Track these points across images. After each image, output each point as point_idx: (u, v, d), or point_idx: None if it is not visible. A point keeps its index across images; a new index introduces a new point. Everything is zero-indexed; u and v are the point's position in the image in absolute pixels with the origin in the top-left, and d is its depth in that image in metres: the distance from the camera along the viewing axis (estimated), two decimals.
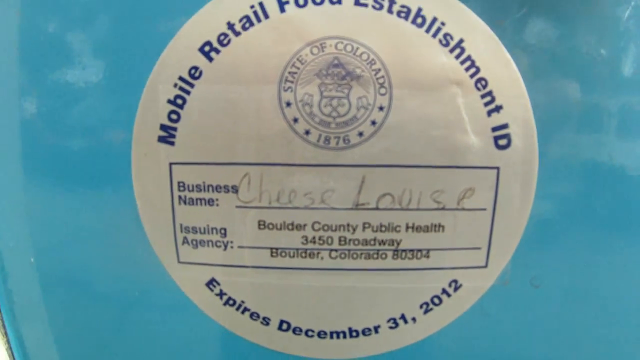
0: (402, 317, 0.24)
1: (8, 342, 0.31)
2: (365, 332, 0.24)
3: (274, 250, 0.23)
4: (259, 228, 0.22)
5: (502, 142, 0.22)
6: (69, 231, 0.26)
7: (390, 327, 0.24)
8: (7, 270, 0.27)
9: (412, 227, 0.22)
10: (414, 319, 0.24)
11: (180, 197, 0.23)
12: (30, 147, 0.24)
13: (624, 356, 0.26)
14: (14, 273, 0.28)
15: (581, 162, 0.23)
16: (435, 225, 0.22)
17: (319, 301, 0.24)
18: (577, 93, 0.22)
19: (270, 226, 0.22)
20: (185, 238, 0.23)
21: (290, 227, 0.22)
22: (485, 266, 0.23)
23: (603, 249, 0.25)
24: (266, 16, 0.21)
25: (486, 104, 0.21)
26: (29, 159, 0.24)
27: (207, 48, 0.21)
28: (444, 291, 0.24)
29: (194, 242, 0.23)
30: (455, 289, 0.24)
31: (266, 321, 0.24)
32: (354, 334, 0.24)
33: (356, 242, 0.23)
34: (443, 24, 0.21)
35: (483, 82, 0.21)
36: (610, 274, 0.25)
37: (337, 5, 0.21)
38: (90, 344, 0.28)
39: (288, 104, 0.21)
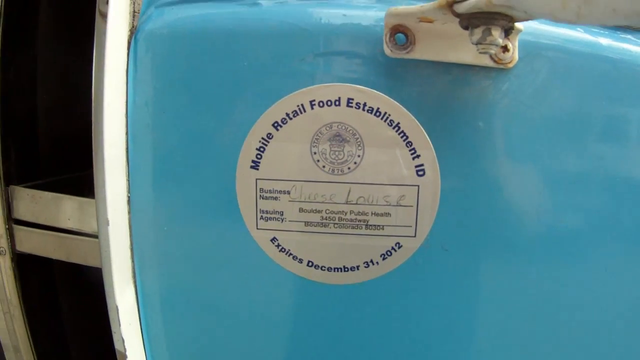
0: (371, 261, 0.49)
1: (135, 286, 0.57)
2: (352, 269, 0.49)
3: (306, 223, 0.48)
4: (299, 212, 0.48)
5: (420, 172, 0.46)
6: (195, 220, 0.52)
7: (365, 267, 0.49)
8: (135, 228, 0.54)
9: (374, 214, 0.47)
10: (377, 263, 0.49)
11: (260, 195, 0.48)
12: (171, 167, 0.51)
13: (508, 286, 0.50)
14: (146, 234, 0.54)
15: (463, 180, 0.47)
16: (386, 213, 0.47)
17: (327, 250, 0.49)
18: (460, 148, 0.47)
19: (305, 211, 0.48)
20: (261, 216, 0.49)
21: (315, 211, 0.48)
22: (414, 236, 0.48)
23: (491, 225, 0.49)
24: (304, 110, 0.46)
25: (412, 154, 0.46)
26: (167, 171, 0.51)
27: (275, 124, 0.47)
28: (392, 248, 0.48)
29: (265, 218, 0.49)
30: (399, 247, 0.48)
31: (300, 261, 0.50)
32: (346, 269, 0.49)
33: (347, 220, 0.48)
34: (389, 114, 0.46)
35: (410, 144, 0.46)
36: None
37: (337, 107, 0.46)
38: (196, 284, 0.55)
39: (315, 153, 0.46)
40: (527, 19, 0.37)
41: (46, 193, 0.72)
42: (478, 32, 0.37)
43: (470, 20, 0.37)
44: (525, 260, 0.50)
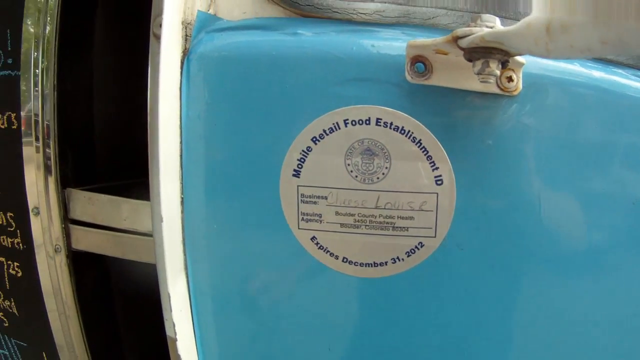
0: (397, 258, 0.57)
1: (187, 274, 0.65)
2: (380, 264, 0.58)
3: (341, 224, 0.57)
4: (335, 215, 0.56)
5: (439, 182, 0.54)
6: (243, 220, 0.61)
7: (392, 263, 0.58)
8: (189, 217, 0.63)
9: (400, 217, 0.56)
10: (402, 259, 0.57)
11: (301, 200, 0.57)
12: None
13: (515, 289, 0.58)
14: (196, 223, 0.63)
15: (476, 189, 0.56)
16: (410, 217, 0.55)
17: (359, 248, 0.57)
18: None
19: (340, 214, 0.56)
20: (302, 217, 0.58)
21: (349, 214, 0.56)
22: (435, 237, 0.56)
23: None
24: (338, 128, 0.55)
25: (432, 167, 0.54)
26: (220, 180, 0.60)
27: (314, 138, 0.55)
28: (416, 247, 0.57)
29: (306, 220, 0.57)
30: (421, 246, 0.57)
31: (336, 257, 0.58)
32: (375, 265, 0.58)
33: (376, 222, 0.56)
34: (412, 132, 0.54)
35: (430, 158, 0.54)
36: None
37: (367, 125, 0.54)
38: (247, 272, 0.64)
39: (348, 165, 0.55)
40: (519, 54, 0.46)
41: (102, 195, 0.82)
42: (478, 64, 0.45)
43: (472, 54, 0.46)
44: (530, 260, 0.58)
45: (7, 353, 1.16)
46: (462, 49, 0.47)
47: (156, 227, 0.61)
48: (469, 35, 0.45)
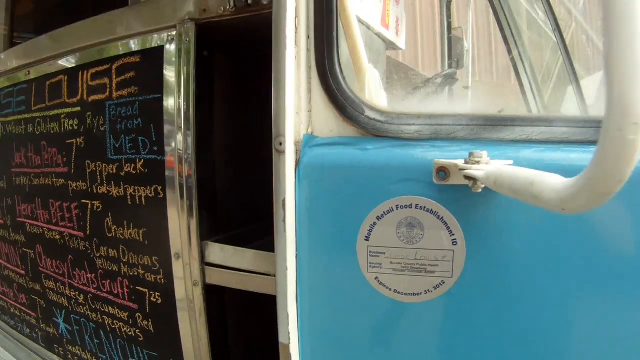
0: (428, 290, 0.94)
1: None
2: (417, 294, 0.95)
3: (393, 269, 0.94)
4: (390, 263, 0.94)
5: (454, 243, 0.92)
6: (333, 268, 1.00)
7: (424, 293, 0.94)
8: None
9: (430, 264, 0.93)
10: (431, 291, 0.94)
11: (369, 254, 0.95)
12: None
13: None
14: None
15: (480, 248, 0.92)
16: (436, 264, 0.93)
17: (404, 284, 0.95)
18: None
19: (393, 263, 0.94)
20: (370, 265, 0.96)
21: (398, 263, 0.94)
22: (452, 277, 0.93)
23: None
24: (393, 210, 0.93)
25: (450, 234, 0.92)
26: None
27: (377, 217, 0.94)
28: (439, 284, 0.93)
29: (372, 266, 0.96)
30: (442, 283, 0.93)
31: (389, 289, 0.96)
32: (414, 294, 0.95)
33: (415, 268, 0.94)
34: (437, 212, 0.92)
35: (449, 228, 0.91)
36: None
37: (410, 209, 0.92)
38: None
39: (398, 233, 0.93)
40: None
41: (230, 247, 1.23)
42: (471, 182, 0.83)
43: (466, 177, 0.83)
44: (520, 296, 0.93)
45: None
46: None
47: (281, 272, 1.00)
48: (465, 170, 0.83)
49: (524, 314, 0.92)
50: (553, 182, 0.60)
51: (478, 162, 0.82)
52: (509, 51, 2.62)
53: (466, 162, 0.84)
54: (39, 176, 1.87)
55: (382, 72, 1.71)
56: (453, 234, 0.91)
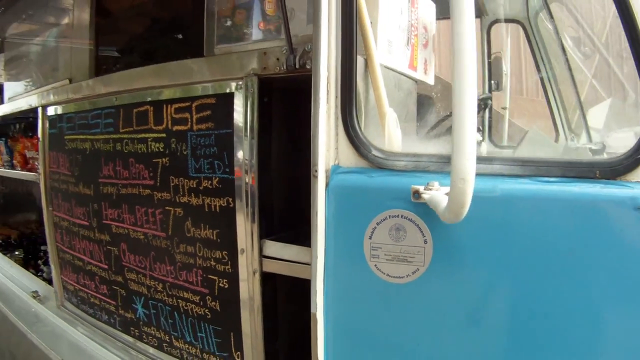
0: (409, 274, 1.67)
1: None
2: (401, 277, 1.68)
3: (386, 259, 1.67)
4: (384, 255, 1.68)
5: (425, 241, 1.65)
6: (346, 262, 1.75)
7: (407, 276, 1.66)
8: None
9: (409, 256, 1.66)
10: (411, 275, 1.67)
11: (371, 248, 1.69)
12: None
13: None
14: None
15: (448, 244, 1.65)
16: (412, 256, 1.66)
17: (394, 269, 1.66)
18: None
19: (387, 255, 1.68)
20: (371, 256, 1.68)
21: (389, 255, 1.68)
22: (424, 265, 1.66)
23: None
24: (385, 220, 1.67)
25: (422, 235, 1.65)
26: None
27: (377, 223, 1.68)
28: (416, 270, 1.65)
29: (373, 257, 1.68)
30: (417, 270, 1.65)
31: (384, 273, 1.69)
32: (400, 277, 1.67)
33: (400, 259, 1.66)
34: (414, 220, 1.65)
35: (421, 230, 1.65)
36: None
37: (397, 218, 1.66)
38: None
39: (390, 234, 1.67)
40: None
41: (280, 244, 1.97)
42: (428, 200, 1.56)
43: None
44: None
45: (204, 335, 2.34)
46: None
47: (314, 261, 1.74)
48: (422, 194, 1.56)
49: (475, 292, 1.60)
50: (443, 205, 1.35)
51: (431, 189, 1.54)
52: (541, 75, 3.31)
53: (425, 189, 1.57)
54: (126, 186, 2.60)
55: (412, 106, 2.38)
56: (424, 235, 1.60)
